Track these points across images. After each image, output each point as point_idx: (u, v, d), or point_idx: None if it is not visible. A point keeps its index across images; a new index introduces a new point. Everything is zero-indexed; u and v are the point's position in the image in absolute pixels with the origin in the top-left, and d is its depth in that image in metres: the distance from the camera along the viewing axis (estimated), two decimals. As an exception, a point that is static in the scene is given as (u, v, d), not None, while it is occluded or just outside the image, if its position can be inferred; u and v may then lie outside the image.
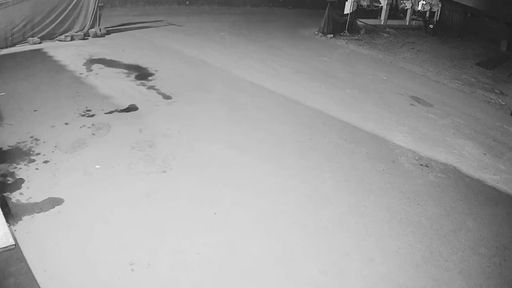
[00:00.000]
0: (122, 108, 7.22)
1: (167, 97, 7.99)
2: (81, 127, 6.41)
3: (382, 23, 19.36)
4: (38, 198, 4.72)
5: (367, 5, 20.16)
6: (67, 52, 9.56)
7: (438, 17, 20.98)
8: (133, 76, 8.79)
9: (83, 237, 4.30)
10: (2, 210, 3.32)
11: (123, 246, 4.26)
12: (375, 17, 19.82)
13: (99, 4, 11.16)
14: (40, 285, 3.64)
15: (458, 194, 6.27)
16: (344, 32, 16.57)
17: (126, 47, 10.58)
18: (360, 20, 18.07)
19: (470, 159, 7.50)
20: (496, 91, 12.51)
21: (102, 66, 9.04)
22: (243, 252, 4.45)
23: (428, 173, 6.74)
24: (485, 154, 7.82)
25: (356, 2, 17.02)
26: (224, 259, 4.32)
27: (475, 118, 9.75)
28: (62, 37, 10.42)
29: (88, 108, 7.01)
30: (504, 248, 5.22)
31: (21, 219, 4.37)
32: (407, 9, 20.93)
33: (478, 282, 4.56)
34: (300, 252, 4.58)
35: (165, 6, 17.17)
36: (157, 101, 7.77)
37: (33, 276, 3.70)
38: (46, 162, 5.41)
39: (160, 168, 5.66)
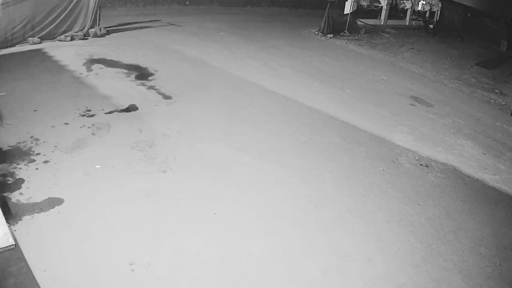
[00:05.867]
0: (122, 108, 7.22)
1: (167, 97, 7.99)
2: (81, 127, 6.41)
3: (382, 23, 19.37)
4: (38, 198, 4.72)
5: (367, 5, 20.18)
6: (67, 52, 9.56)
7: (438, 17, 21.00)
8: (133, 76, 8.78)
9: (83, 237, 4.30)
10: (2, 210, 3.32)
11: (123, 246, 4.26)
12: (375, 17, 19.84)
13: (99, 4, 11.16)
14: (40, 285, 3.64)
15: (458, 194, 6.27)
16: (344, 32, 16.57)
17: (126, 47, 10.58)
18: (360, 20, 18.09)
19: (470, 159, 7.50)
20: (496, 91, 12.51)
21: (102, 66, 9.04)
22: (243, 252, 4.45)
23: (428, 173, 6.74)
24: (485, 154, 7.82)
25: (356, 2, 17.03)
26: (224, 259, 4.32)
27: (475, 118, 9.75)
28: (62, 37, 10.43)
29: (88, 108, 7.01)
30: (504, 248, 5.22)
31: (21, 219, 4.37)
32: (407, 9, 20.95)
33: (478, 282, 4.56)
34: (300, 252, 4.58)
35: (165, 6, 17.17)
36: (157, 101, 7.77)
37: (33, 276, 3.70)
38: (46, 162, 5.41)
39: (160, 168, 5.66)
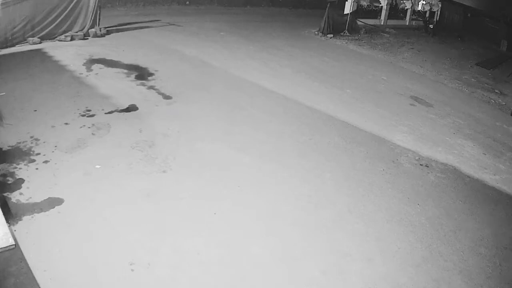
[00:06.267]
0: (122, 108, 7.22)
1: (167, 97, 7.99)
2: (81, 127, 6.41)
3: (382, 23, 19.38)
4: (38, 198, 4.72)
5: (367, 5, 20.18)
6: (67, 52, 9.56)
7: (438, 17, 21.00)
8: (133, 76, 8.79)
9: (83, 237, 4.30)
10: (2, 210, 3.32)
11: (123, 246, 4.26)
12: (375, 17, 19.84)
13: (99, 4, 11.16)
14: (40, 285, 3.64)
15: (458, 194, 6.27)
16: (344, 32, 16.58)
17: (126, 47, 10.58)
18: (360, 20, 18.09)
19: (470, 159, 7.50)
20: (496, 91, 12.52)
21: (102, 66, 9.04)
22: (243, 252, 4.45)
23: (428, 173, 6.74)
24: (485, 154, 7.82)
25: (356, 2, 17.04)
26: (224, 259, 4.32)
27: (475, 118, 9.75)
28: (62, 37, 10.43)
29: (88, 108, 7.01)
30: (504, 248, 5.22)
31: (21, 219, 4.37)
32: (407, 9, 20.96)
33: (478, 282, 4.56)
34: (300, 252, 4.58)
35: (165, 6, 17.18)
36: (157, 101, 7.77)
37: (33, 276, 3.70)
38: (46, 162, 5.41)
39: (160, 168, 5.66)
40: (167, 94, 8.09)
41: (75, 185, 5.04)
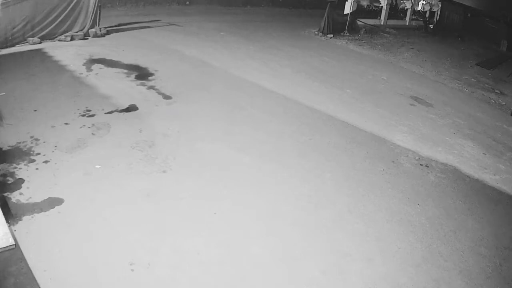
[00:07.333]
0: (122, 108, 7.22)
1: (167, 97, 7.99)
2: (81, 127, 6.41)
3: (382, 23, 19.36)
4: (38, 198, 4.72)
5: (367, 5, 20.17)
6: (67, 52, 9.56)
7: (438, 17, 20.99)
8: (133, 76, 8.78)
9: (83, 237, 4.30)
10: (2, 210, 3.32)
11: (123, 246, 4.26)
12: (375, 17, 19.83)
13: (99, 4, 11.16)
14: (40, 285, 3.64)
15: (458, 194, 6.27)
16: (344, 32, 16.58)
17: (126, 47, 10.58)
18: (360, 20, 18.08)
19: (470, 159, 7.50)
20: (496, 91, 12.52)
21: (102, 66, 9.04)
22: (243, 252, 4.45)
23: (428, 173, 6.74)
24: (485, 154, 7.82)
25: (356, 2, 17.03)
26: (224, 259, 4.32)
27: (475, 118, 9.75)
28: (62, 37, 10.43)
29: (88, 108, 7.01)
30: (504, 248, 5.22)
31: (21, 219, 4.37)
32: (407, 9, 20.94)
33: (478, 282, 4.57)
34: (300, 252, 4.58)
35: (165, 6, 17.17)
36: (157, 101, 7.77)
37: (33, 276, 3.70)
38: (46, 162, 5.41)
39: (160, 168, 5.66)
40: (167, 94, 8.09)
41: (75, 185, 5.04)
